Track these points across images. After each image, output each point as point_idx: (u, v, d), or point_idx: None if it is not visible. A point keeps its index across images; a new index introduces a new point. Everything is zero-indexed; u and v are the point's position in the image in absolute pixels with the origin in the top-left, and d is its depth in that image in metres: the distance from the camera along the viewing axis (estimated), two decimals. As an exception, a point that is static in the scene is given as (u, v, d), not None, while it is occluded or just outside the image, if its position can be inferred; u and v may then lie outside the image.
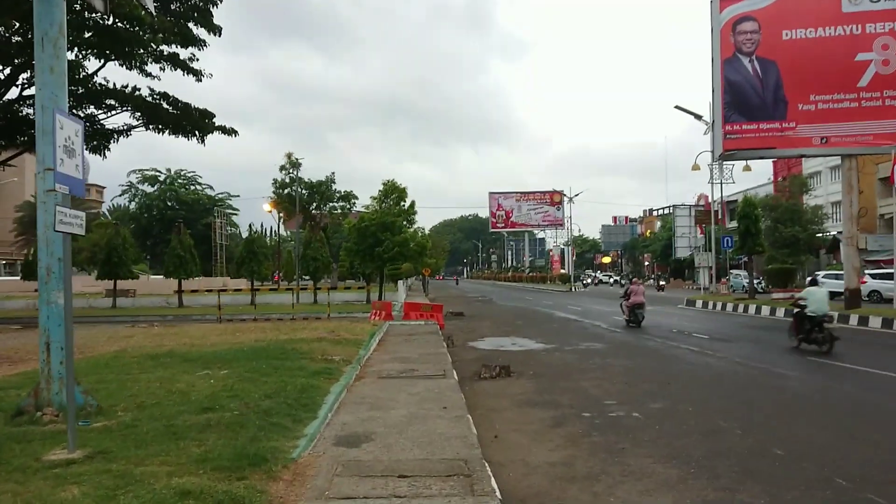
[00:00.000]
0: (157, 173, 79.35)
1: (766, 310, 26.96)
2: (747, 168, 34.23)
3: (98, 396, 7.89)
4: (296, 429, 6.82)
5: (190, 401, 7.78)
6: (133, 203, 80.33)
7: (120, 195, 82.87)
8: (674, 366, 13.77)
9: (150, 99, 26.09)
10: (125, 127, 28.24)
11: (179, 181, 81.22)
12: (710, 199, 38.79)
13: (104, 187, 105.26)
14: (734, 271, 55.54)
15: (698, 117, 34.74)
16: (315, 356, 11.74)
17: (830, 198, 63.57)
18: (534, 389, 11.20)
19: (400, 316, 23.71)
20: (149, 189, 78.99)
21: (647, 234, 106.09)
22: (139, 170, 79.33)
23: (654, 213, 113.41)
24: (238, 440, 6.09)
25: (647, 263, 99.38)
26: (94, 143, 28.90)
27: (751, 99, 23.66)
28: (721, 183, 35.59)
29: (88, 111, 27.83)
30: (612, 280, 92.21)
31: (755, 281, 47.65)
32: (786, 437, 7.77)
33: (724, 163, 28.52)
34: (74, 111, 27.87)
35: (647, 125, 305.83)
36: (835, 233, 58.62)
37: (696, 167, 36.61)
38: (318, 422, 7.22)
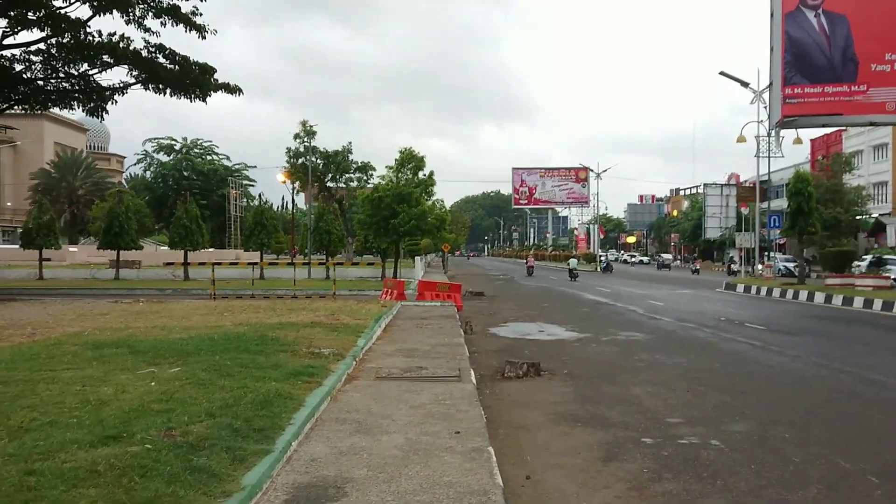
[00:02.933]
0: (173, 142, 77.23)
1: (819, 297, 24.27)
2: (798, 140, 31.44)
3: (-23, 409, 5.70)
4: (231, 476, 4.53)
5: (98, 420, 5.54)
6: (148, 172, 78.46)
7: (135, 164, 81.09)
8: (739, 367, 11.34)
9: (145, 52, 23.87)
10: (121, 84, 26.10)
11: (196, 151, 79.14)
12: (756, 174, 35.83)
13: (124, 157, 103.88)
14: (770, 254, 52.65)
15: (745, 84, 31.76)
16: (299, 348, 9.46)
17: (873, 178, 60.41)
18: (572, 396, 8.88)
19: (414, 295, 21.45)
20: (164, 158, 76.97)
21: (675, 213, 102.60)
22: (154, 138, 77.32)
23: (682, 192, 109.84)
24: (123, 507, 3.82)
25: (673, 244, 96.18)
26: (91, 104, 26.83)
27: (815, 58, 20.79)
28: (769, 157, 32.68)
29: (81, 69, 25.73)
30: (636, 260, 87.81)
31: (792, 264, 44.86)
32: (953, 494, 5.37)
33: (776, 134, 25.66)
34: (67, 66, 25.84)
35: (673, 103, 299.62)
36: (877, 215, 55.48)
37: (741, 139, 33.67)
38: (272, 460, 4.94)
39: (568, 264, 45.71)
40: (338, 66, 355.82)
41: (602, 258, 63.06)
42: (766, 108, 30.66)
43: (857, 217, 53.39)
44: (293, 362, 8.46)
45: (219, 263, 25.71)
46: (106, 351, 8.78)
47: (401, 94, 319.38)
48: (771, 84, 22.01)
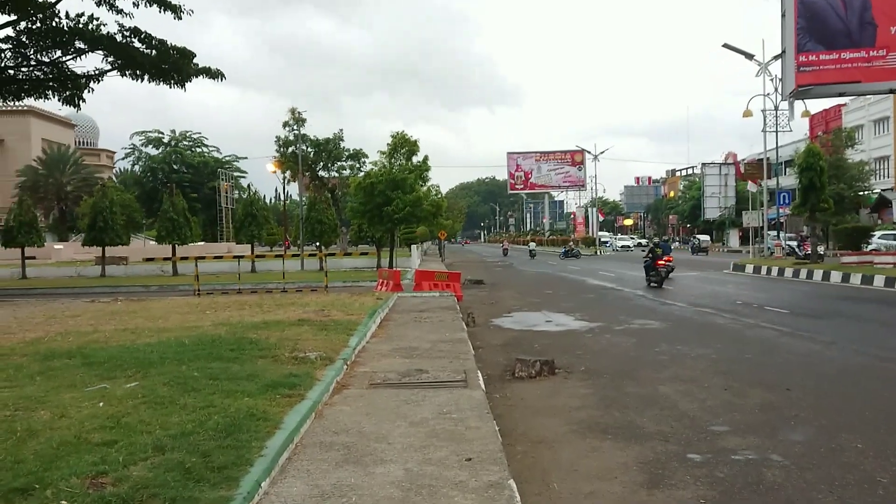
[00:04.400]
0: (161, 135, 75.81)
1: (836, 276, 23.18)
2: (806, 113, 30.33)
3: None
4: (172, 543, 3.40)
5: (15, 461, 4.40)
6: (137, 166, 77.01)
7: (123, 158, 79.66)
8: (772, 357, 10.23)
9: (119, 37, 22.55)
10: (97, 72, 24.79)
11: (185, 143, 77.67)
12: (764, 148, 34.54)
13: (114, 152, 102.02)
14: (772, 233, 51.57)
15: (750, 56, 30.54)
16: (282, 353, 8.31)
17: (874, 153, 59.26)
18: (594, 399, 7.76)
19: (411, 286, 20.30)
20: (153, 152, 75.52)
21: (671, 194, 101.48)
22: (143, 132, 75.88)
23: (678, 173, 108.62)
24: None
25: (671, 225, 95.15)
26: (66, 93, 25.56)
27: (831, 23, 19.55)
28: (776, 131, 31.43)
29: (54, 56, 24.41)
30: (645, 245, 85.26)
31: (794, 243, 43.75)
32: None
33: (789, 105, 24.35)
34: (38, 54, 24.52)
35: (665, 85, 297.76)
36: (879, 190, 54.38)
37: (748, 113, 32.41)
38: (232, 512, 3.80)
39: (529, 247, 59.76)
40: (326, 56, 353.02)
41: (589, 242, 63.62)
42: (772, 80, 29.51)
43: (861, 193, 52.36)
44: (273, 370, 7.32)
45: (202, 257, 24.44)
46: (56, 363, 7.62)
47: (390, 83, 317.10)
48: (784, 52, 20.75)
